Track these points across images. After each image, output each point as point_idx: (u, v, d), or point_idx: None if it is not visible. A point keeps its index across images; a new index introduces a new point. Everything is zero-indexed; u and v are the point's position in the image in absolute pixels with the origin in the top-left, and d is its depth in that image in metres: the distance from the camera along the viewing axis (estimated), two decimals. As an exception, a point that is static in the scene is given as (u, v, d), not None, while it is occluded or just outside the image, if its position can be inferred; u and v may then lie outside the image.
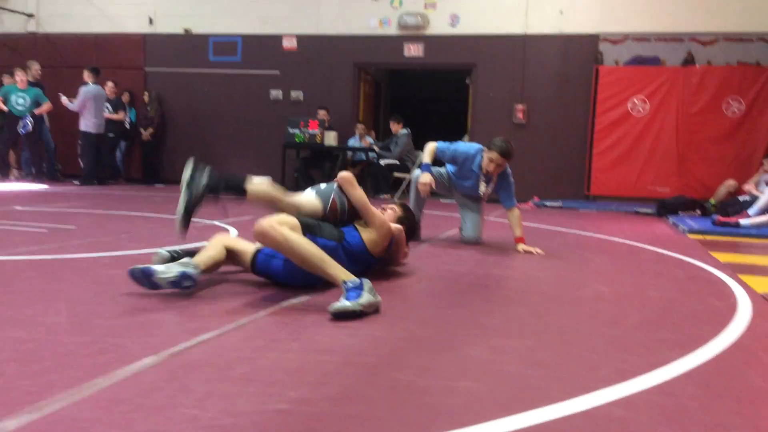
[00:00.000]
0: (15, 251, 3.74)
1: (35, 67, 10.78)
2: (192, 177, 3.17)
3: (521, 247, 4.72)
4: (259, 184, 3.25)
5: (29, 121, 10.14)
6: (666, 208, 8.90)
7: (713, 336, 2.49)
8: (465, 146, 4.97)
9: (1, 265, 3.36)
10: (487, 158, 4.78)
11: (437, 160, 5.05)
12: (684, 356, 2.19)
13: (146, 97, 11.79)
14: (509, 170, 4.98)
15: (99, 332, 2.17)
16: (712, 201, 9.17)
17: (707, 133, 10.11)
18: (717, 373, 2.06)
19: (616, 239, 5.85)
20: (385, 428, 1.51)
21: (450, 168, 5.13)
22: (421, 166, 4.98)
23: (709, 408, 1.74)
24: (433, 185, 4.90)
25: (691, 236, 6.42)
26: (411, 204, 5.07)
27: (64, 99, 10.35)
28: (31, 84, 10.57)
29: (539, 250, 4.65)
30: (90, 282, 2.99)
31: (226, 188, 3.22)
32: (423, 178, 4.85)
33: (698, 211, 8.80)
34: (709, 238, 6.34)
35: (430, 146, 4.97)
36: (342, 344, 2.19)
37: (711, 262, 4.51)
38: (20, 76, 10.29)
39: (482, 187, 4.95)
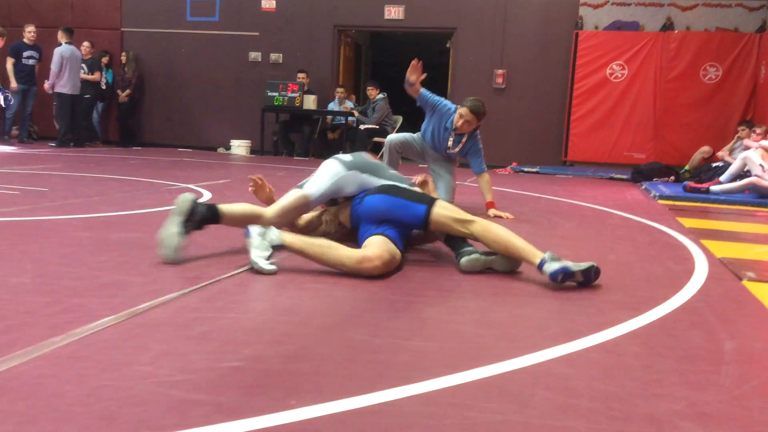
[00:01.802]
0: (-15, 213, 3.75)
1: (29, 29, 10.53)
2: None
3: (492, 212, 4.79)
4: (230, 206, 3.04)
5: (8, 95, 9.98)
6: (641, 174, 9.01)
7: (665, 299, 2.57)
8: (448, 103, 5.07)
9: (-31, 226, 3.37)
10: (459, 114, 4.83)
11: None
12: (633, 317, 2.27)
13: (123, 58, 11.64)
14: (478, 135, 5.02)
15: (63, 293, 2.21)
16: (687, 167, 9.29)
17: (684, 99, 10.19)
18: (662, 333, 2.14)
19: (588, 205, 5.94)
20: (333, 384, 1.57)
21: (423, 127, 5.17)
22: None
23: (648, 365, 1.82)
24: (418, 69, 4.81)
25: (662, 202, 6.52)
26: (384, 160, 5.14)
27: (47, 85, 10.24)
28: (26, 46, 10.37)
29: (509, 215, 4.73)
30: (58, 244, 3.02)
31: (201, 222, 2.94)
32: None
33: (672, 178, 8.91)
34: (679, 204, 6.45)
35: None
36: (302, 305, 2.24)
37: (676, 228, 4.60)
38: None
39: (450, 142, 4.97)
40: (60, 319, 1.93)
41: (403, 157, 5.08)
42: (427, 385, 1.59)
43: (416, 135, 5.23)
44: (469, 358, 1.79)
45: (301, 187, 3.14)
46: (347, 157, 3.27)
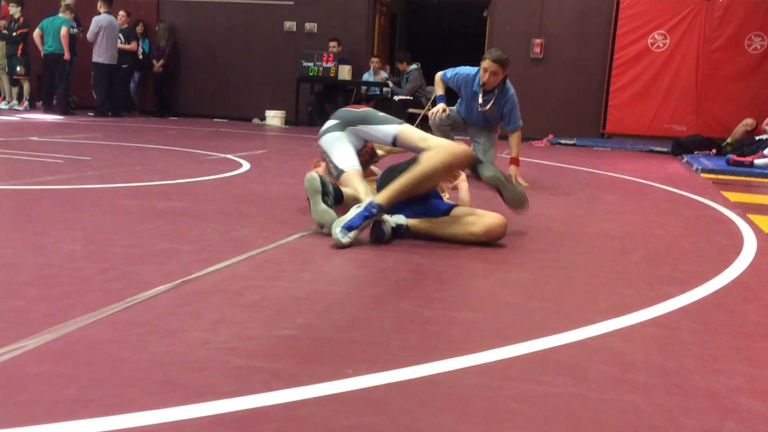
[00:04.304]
0: (32, 181, 3.82)
1: (68, 1, 10.61)
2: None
3: (512, 169, 4.77)
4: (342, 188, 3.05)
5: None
6: (681, 147, 8.83)
7: (715, 273, 2.53)
8: (467, 69, 5.02)
9: (19, 194, 3.44)
10: (483, 68, 4.78)
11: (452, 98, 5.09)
12: (684, 292, 2.24)
13: (158, 29, 11.69)
14: (511, 89, 4.92)
15: (115, 260, 2.24)
16: (728, 140, 9.08)
17: (727, 70, 9.93)
18: (714, 308, 2.11)
19: (629, 178, 5.85)
20: (387, 354, 1.58)
21: (458, 103, 5.14)
22: (435, 99, 5.05)
23: (703, 341, 1.79)
24: (447, 112, 4.99)
25: (704, 175, 6.39)
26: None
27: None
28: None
29: (524, 182, 4.74)
30: (106, 212, 3.06)
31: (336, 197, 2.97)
32: (436, 108, 4.97)
33: (713, 151, 8.72)
34: (722, 177, 6.32)
35: (437, 78, 5.09)
36: (350, 275, 2.25)
37: (721, 202, 4.51)
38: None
39: (480, 100, 4.91)
40: (114, 285, 1.96)
41: (447, 131, 5.06)
42: (482, 357, 1.58)
43: (454, 108, 5.19)
44: (522, 330, 1.78)
45: (341, 169, 3.15)
46: (333, 121, 3.27)
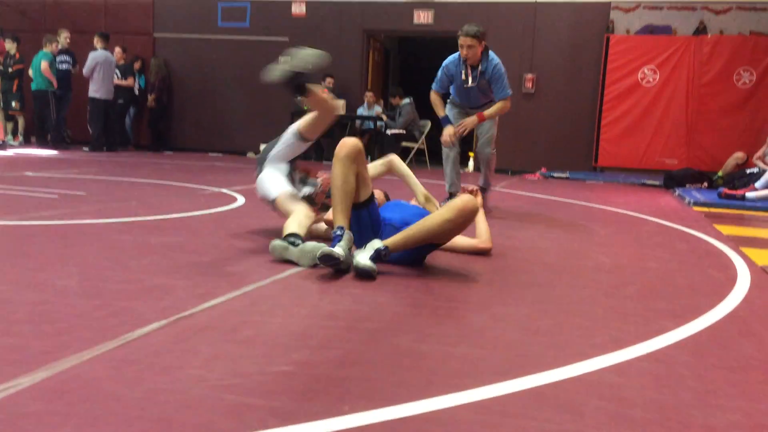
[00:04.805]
0: (27, 216, 3.81)
1: (64, 35, 10.73)
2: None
3: (469, 120, 4.93)
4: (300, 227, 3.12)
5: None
6: (673, 180, 8.90)
7: (710, 307, 2.53)
8: (449, 57, 5.12)
9: (13, 229, 3.43)
10: (460, 46, 4.87)
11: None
12: (679, 326, 2.24)
13: (150, 64, 11.79)
14: (495, 59, 4.95)
15: (109, 296, 2.23)
16: (720, 173, 9.15)
17: (717, 104, 10.05)
18: (710, 342, 2.11)
19: (621, 211, 5.88)
20: (384, 390, 1.57)
21: (451, 94, 5.27)
22: (441, 121, 5.14)
23: (700, 376, 1.79)
24: (457, 134, 5.02)
25: (696, 209, 6.43)
26: (446, 176, 5.18)
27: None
28: (60, 51, 10.57)
29: (464, 131, 4.93)
30: (101, 247, 3.06)
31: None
32: (445, 131, 5.04)
33: (705, 184, 8.79)
34: (714, 210, 6.36)
35: (432, 97, 5.19)
36: (345, 310, 2.25)
37: (714, 235, 4.54)
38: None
39: (469, 80, 4.97)
40: (109, 322, 1.95)
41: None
42: (479, 393, 1.58)
43: (448, 108, 5.27)
44: (518, 365, 1.78)
45: (273, 198, 3.30)
46: (256, 171, 3.48)
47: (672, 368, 1.83)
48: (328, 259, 2.67)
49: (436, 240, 2.92)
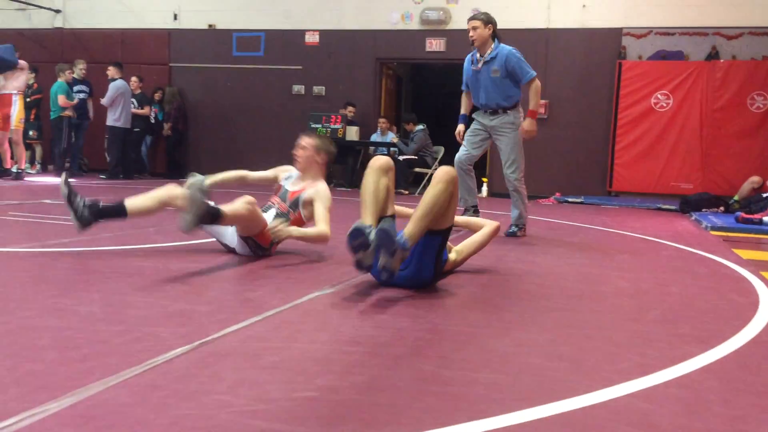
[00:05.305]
0: (48, 243, 3.84)
1: (81, 66, 10.91)
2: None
3: (526, 123, 5.06)
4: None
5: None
6: (689, 205, 8.85)
7: (734, 332, 2.50)
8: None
9: (34, 256, 3.46)
10: (469, 34, 5.14)
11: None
12: (704, 351, 2.21)
13: (164, 93, 11.94)
14: (506, 47, 5.08)
15: (132, 321, 2.24)
16: (736, 197, 9.10)
17: (731, 128, 10.03)
18: (737, 367, 2.08)
19: (639, 235, 5.85)
20: (410, 416, 1.56)
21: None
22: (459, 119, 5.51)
23: (728, 401, 1.77)
24: (462, 133, 5.38)
25: (714, 233, 6.39)
26: (460, 191, 5.17)
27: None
28: (77, 81, 10.74)
29: (527, 136, 5.11)
30: (121, 273, 3.07)
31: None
32: (458, 128, 5.46)
33: (721, 208, 8.74)
34: (731, 234, 6.32)
35: (462, 97, 5.48)
36: (367, 335, 2.24)
37: (733, 259, 4.50)
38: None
39: (479, 65, 5.15)
40: (133, 347, 1.96)
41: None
42: (506, 420, 1.56)
43: (466, 134, 5.40)
44: (544, 392, 1.76)
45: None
46: None
47: (699, 394, 1.81)
48: (357, 234, 2.67)
49: (440, 213, 2.91)
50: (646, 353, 2.17)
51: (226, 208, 3.35)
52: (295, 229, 3.64)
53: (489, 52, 5.08)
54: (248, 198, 3.40)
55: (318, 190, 3.83)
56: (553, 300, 3.01)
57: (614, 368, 2.00)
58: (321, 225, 3.68)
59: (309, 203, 3.81)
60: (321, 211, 3.73)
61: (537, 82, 5.04)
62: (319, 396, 1.65)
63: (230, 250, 3.75)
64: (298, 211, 3.82)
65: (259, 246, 3.65)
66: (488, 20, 5.04)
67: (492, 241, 3.69)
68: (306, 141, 4.02)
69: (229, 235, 3.72)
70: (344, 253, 3.91)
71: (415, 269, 2.98)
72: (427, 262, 3.01)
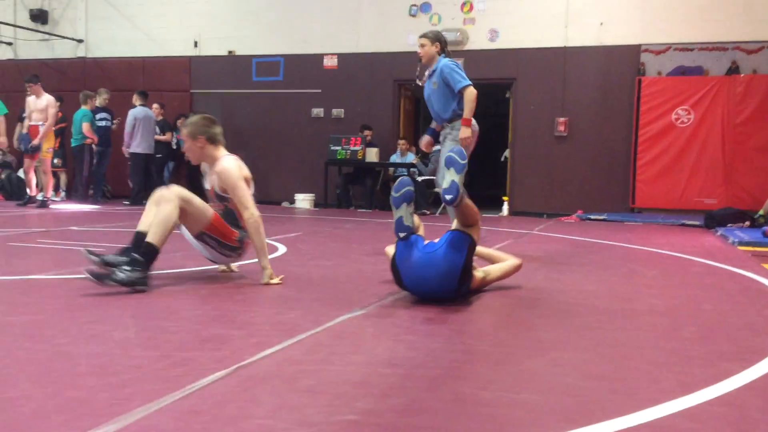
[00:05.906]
0: (77, 270, 3.87)
1: (104, 95, 11.08)
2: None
3: (460, 131, 5.04)
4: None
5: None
6: (714, 220, 8.75)
7: (773, 348, 2.46)
8: None
9: (65, 283, 3.50)
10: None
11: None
12: (744, 368, 2.18)
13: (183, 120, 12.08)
14: (444, 60, 5.15)
15: (168, 346, 2.25)
16: (761, 212, 8.98)
17: (754, 142, 9.92)
18: (780, 385, 2.04)
19: (665, 252, 5.79)
20: (452, 438, 1.55)
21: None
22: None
23: (774, 420, 1.73)
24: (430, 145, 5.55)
25: (741, 248, 6.31)
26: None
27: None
28: (99, 109, 10.89)
29: (461, 144, 4.97)
30: (153, 298, 3.09)
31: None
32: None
33: (747, 223, 8.63)
34: (759, 249, 6.23)
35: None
36: (402, 357, 2.23)
37: (764, 274, 4.44)
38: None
39: (423, 78, 5.36)
40: (171, 373, 1.96)
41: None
42: (550, 440, 1.55)
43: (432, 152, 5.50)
44: (587, 413, 1.74)
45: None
46: None
47: (744, 412, 1.78)
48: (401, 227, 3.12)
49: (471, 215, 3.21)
50: (686, 371, 2.14)
51: (152, 228, 3.41)
52: (265, 273, 3.57)
53: (430, 67, 5.29)
54: (174, 191, 3.51)
55: (220, 176, 3.70)
56: (584, 318, 2.98)
57: (655, 387, 1.97)
58: (245, 213, 3.58)
59: (225, 191, 3.71)
60: (237, 196, 3.62)
61: (470, 90, 5.06)
62: (360, 419, 1.65)
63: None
64: (226, 201, 3.73)
65: (224, 245, 3.60)
66: (436, 38, 5.24)
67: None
68: (183, 135, 3.89)
69: (192, 242, 3.66)
70: (372, 273, 3.92)
71: (448, 250, 3.05)
72: (460, 247, 3.05)
